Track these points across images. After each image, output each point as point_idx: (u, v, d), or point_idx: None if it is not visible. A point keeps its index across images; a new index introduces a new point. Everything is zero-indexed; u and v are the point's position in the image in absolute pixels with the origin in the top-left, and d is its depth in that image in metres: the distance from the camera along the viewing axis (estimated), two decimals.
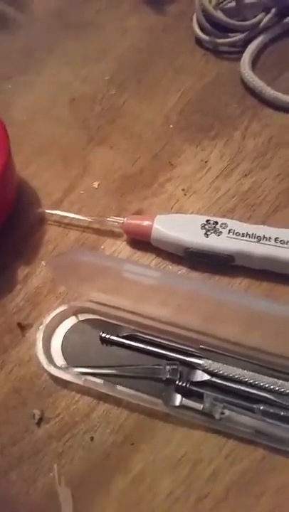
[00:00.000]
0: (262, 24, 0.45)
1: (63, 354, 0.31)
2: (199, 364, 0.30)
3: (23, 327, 0.33)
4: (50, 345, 0.31)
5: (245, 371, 0.29)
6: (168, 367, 0.30)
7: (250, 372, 0.29)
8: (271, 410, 0.28)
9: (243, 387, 0.29)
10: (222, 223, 0.33)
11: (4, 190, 0.35)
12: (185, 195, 0.38)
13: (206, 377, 0.29)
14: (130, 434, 0.29)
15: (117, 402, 0.30)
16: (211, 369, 0.29)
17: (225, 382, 0.29)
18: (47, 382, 0.31)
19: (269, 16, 0.45)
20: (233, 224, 0.33)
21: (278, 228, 0.33)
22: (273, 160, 0.39)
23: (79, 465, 0.28)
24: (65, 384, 0.30)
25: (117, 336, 0.31)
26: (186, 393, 0.29)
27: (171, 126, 0.41)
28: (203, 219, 0.34)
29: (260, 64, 0.44)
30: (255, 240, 0.32)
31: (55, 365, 0.30)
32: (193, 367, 0.30)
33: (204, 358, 0.30)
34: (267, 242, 0.32)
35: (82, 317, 0.32)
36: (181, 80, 0.44)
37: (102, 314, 0.32)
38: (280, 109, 0.41)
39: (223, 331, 0.30)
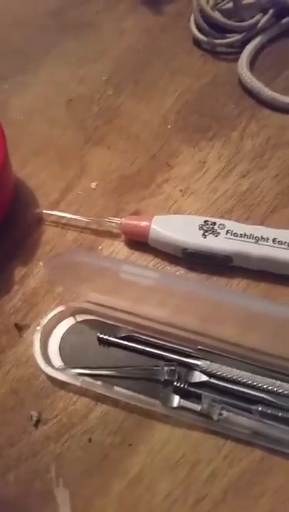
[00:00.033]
0: (259, 25, 0.45)
1: (61, 355, 0.31)
2: (197, 365, 0.29)
3: (20, 328, 0.33)
4: (48, 346, 0.31)
5: (244, 372, 0.29)
6: (166, 368, 0.29)
7: (249, 373, 0.29)
8: (269, 411, 0.28)
9: (241, 388, 0.29)
10: (220, 224, 0.33)
11: (1, 191, 0.34)
12: (183, 195, 0.37)
13: (204, 378, 0.29)
14: (128, 435, 0.29)
15: (114, 403, 0.30)
16: (209, 370, 0.29)
17: (223, 383, 0.29)
18: (44, 383, 0.31)
19: (267, 16, 0.45)
20: (231, 225, 0.33)
21: (276, 229, 0.33)
22: (271, 161, 0.39)
23: (77, 466, 0.28)
24: (62, 385, 0.30)
25: (115, 337, 0.31)
26: (184, 394, 0.29)
27: (168, 126, 0.41)
28: (201, 220, 0.34)
29: (258, 65, 0.44)
30: (253, 240, 0.32)
31: (52, 366, 0.30)
32: (191, 368, 0.30)
33: (202, 358, 0.30)
34: (265, 243, 0.32)
35: (79, 318, 0.32)
36: (178, 81, 0.44)
37: (100, 315, 0.32)
38: (277, 109, 0.41)
39: (221, 331, 0.30)
